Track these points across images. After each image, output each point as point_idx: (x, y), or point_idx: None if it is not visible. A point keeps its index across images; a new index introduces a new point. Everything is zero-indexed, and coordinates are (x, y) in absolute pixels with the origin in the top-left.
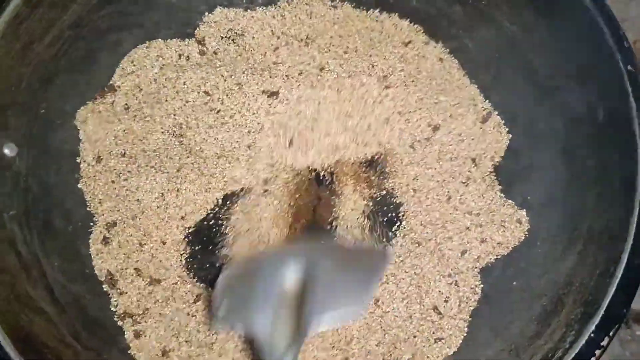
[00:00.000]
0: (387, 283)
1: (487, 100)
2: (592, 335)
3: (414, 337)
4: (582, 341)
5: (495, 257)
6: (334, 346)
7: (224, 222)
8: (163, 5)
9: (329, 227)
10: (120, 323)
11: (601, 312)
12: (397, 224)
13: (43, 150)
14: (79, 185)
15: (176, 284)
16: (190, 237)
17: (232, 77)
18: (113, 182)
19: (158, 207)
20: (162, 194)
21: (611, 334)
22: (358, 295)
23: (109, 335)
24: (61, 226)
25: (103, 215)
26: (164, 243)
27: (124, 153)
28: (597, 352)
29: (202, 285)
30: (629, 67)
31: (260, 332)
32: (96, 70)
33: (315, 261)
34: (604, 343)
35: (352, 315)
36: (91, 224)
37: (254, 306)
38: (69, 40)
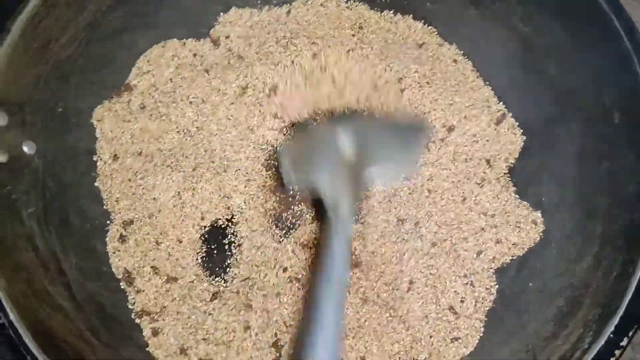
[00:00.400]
0: (402, 284)
1: (502, 102)
2: (611, 335)
3: (430, 336)
4: (602, 342)
5: (510, 257)
6: (351, 347)
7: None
8: (177, 6)
9: None
10: (137, 321)
11: (620, 313)
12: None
13: (60, 149)
14: (96, 184)
15: (192, 282)
16: (206, 236)
17: (246, 76)
18: (129, 180)
19: (174, 205)
20: (178, 192)
21: (630, 334)
22: (405, 153)
23: (126, 332)
24: (78, 224)
25: (120, 213)
26: (180, 241)
27: (140, 152)
28: (617, 352)
29: (218, 283)
30: None
31: (326, 191)
32: (112, 70)
33: (361, 129)
34: (623, 343)
35: (402, 170)
36: (108, 222)
37: (319, 171)
38: (85, 40)
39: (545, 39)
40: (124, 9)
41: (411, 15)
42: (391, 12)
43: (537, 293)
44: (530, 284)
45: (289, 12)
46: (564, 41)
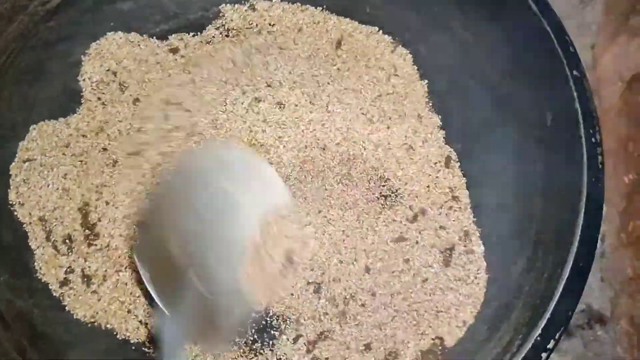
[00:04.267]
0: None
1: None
2: (538, 338)
3: None
4: (529, 345)
5: None
6: None
7: None
8: (116, 15)
9: None
10: None
11: (547, 316)
12: None
13: None
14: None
15: None
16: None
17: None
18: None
19: None
20: None
21: (557, 337)
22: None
23: (58, 351)
24: (8, 240)
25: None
26: None
27: None
28: (544, 355)
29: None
30: (574, 72)
31: None
32: (46, 81)
33: None
34: (550, 346)
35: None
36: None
37: None
38: (17, 51)
39: (483, 43)
40: (58, 20)
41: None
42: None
43: None
44: None
45: None
46: (500, 45)
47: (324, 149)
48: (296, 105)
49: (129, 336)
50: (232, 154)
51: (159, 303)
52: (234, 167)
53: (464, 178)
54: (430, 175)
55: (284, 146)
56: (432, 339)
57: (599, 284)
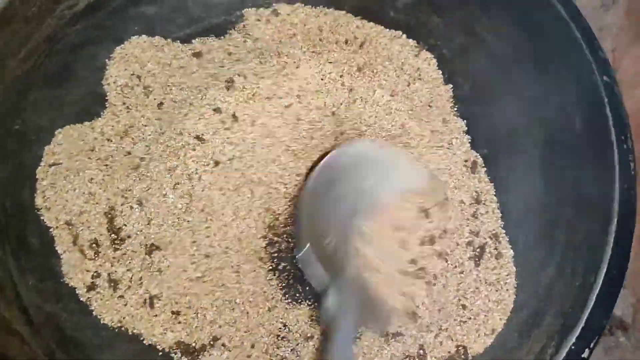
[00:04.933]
0: None
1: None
2: (572, 347)
3: None
4: (563, 353)
5: None
6: None
7: None
8: (140, 19)
9: None
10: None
11: (581, 324)
12: None
13: (17, 167)
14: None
15: None
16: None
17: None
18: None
19: None
20: None
21: (592, 345)
22: None
23: (87, 355)
24: (36, 244)
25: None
26: None
27: None
28: None
29: None
30: (604, 78)
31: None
32: (72, 85)
33: None
34: (584, 355)
35: None
36: None
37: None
38: (44, 54)
39: (509, 48)
40: (84, 23)
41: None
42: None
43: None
44: None
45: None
46: (527, 50)
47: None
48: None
49: (155, 341)
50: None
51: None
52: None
53: (491, 183)
54: (458, 179)
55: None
56: (457, 347)
57: (621, 291)
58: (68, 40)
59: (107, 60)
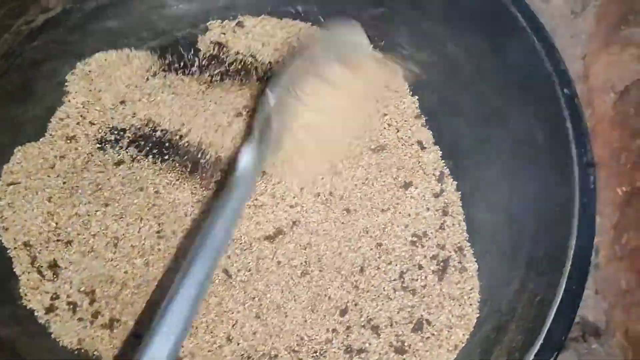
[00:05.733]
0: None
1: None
2: None
3: None
4: None
5: None
6: None
7: None
8: (101, 32)
9: None
10: None
11: (540, 340)
12: None
13: None
14: None
15: None
16: None
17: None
18: None
19: None
20: None
21: None
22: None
23: None
24: None
25: None
26: None
27: None
28: None
29: None
30: (565, 90)
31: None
32: (32, 102)
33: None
34: None
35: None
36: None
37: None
38: (0, 72)
39: (475, 60)
40: (43, 38)
41: None
42: None
43: None
44: None
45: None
46: (492, 61)
47: None
48: None
49: None
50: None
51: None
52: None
53: (458, 193)
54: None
55: None
56: None
57: (593, 297)
58: (27, 56)
59: (67, 76)
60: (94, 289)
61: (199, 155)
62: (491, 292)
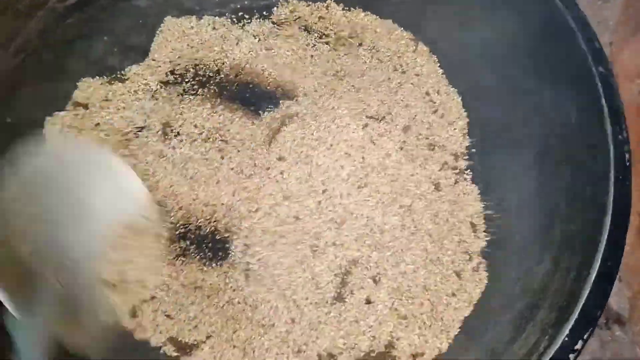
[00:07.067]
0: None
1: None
2: (566, 339)
3: None
4: (556, 346)
5: None
6: None
7: None
8: (133, 11)
9: None
10: None
11: (574, 316)
12: None
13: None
14: None
15: None
16: None
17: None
18: None
19: None
20: None
21: (585, 337)
22: None
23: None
24: None
25: None
26: None
27: None
28: (571, 356)
29: None
30: (600, 69)
31: None
32: (65, 78)
33: None
34: (577, 347)
35: None
36: None
37: None
38: (36, 48)
39: (504, 40)
40: (77, 17)
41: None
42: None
43: (498, 297)
44: (492, 288)
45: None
46: (522, 42)
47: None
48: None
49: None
50: (83, 155)
51: (10, 309)
52: (84, 168)
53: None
54: None
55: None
56: None
57: (617, 284)
58: (60, 34)
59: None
60: None
61: None
62: (523, 270)
